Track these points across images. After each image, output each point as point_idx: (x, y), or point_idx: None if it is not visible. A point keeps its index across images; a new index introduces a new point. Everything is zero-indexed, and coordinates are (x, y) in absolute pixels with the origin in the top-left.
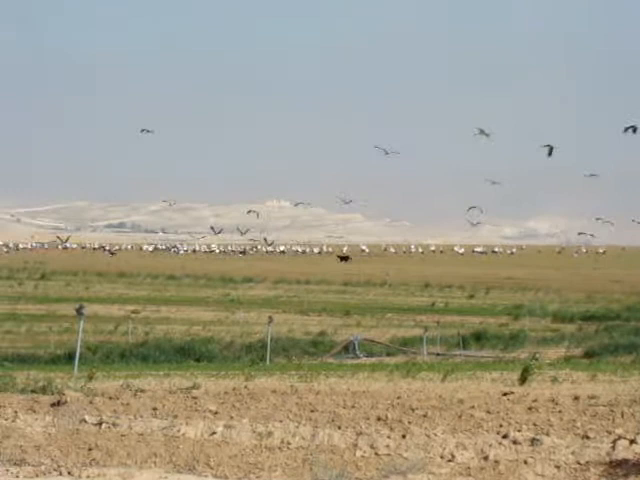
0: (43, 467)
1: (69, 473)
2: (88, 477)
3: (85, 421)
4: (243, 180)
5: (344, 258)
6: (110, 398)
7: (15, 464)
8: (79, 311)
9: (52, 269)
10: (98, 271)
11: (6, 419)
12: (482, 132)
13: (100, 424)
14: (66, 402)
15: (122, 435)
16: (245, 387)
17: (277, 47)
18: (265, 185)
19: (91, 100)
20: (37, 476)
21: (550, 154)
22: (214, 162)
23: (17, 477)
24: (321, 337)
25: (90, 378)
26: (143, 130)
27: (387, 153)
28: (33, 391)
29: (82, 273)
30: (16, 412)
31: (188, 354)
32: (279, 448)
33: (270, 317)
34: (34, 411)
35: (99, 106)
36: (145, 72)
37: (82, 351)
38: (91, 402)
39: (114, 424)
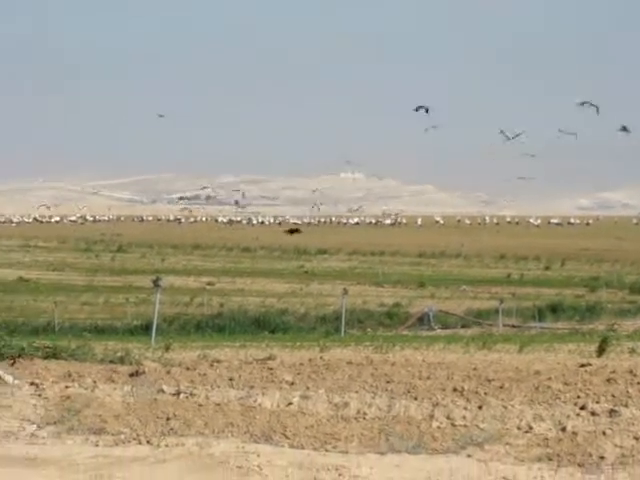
0: (122, 436)
1: (148, 442)
2: (167, 446)
3: (163, 391)
4: (318, 152)
5: (293, 231)
6: (187, 369)
7: (95, 433)
8: (156, 283)
9: (128, 241)
10: (174, 243)
11: (85, 388)
12: (503, 133)
13: (178, 394)
14: (144, 372)
15: (199, 405)
16: (321, 358)
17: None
18: (339, 157)
19: (173, 73)
20: (117, 445)
21: (625, 130)
22: (288, 134)
23: (97, 446)
24: (395, 309)
25: (167, 349)
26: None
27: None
28: (111, 361)
29: (158, 245)
30: (95, 382)
31: (263, 326)
32: (355, 419)
33: (345, 289)
34: (113, 381)
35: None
36: (227, 44)
37: (158, 322)
38: (168, 372)
39: (191, 394)
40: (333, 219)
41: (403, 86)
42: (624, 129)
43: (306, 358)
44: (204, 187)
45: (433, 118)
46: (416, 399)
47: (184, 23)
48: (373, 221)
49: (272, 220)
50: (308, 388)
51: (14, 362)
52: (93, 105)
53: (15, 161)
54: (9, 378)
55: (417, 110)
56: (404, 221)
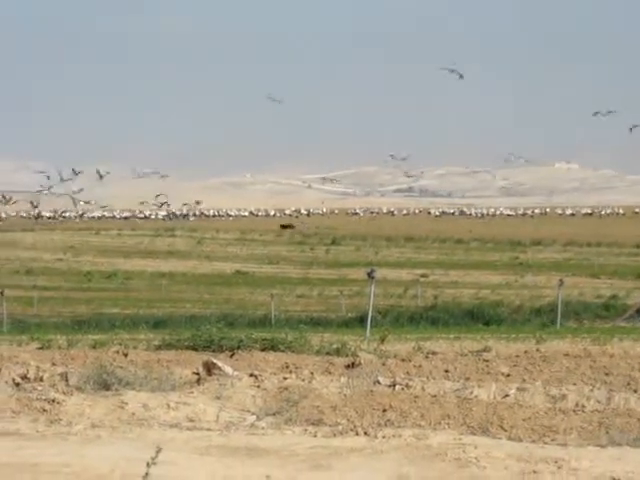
0: (340, 427)
1: (365, 433)
2: (384, 437)
3: (379, 383)
4: (530, 142)
5: (286, 226)
6: (402, 360)
7: (313, 424)
8: (370, 275)
9: (342, 234)
10: (387, 235)
11: (303, 380)
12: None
13: (393, 386)
14: (360, 364)
15: (415, 397)
16: (537, 350)
17: None
18: (553, 147)
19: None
20: (334, 436)
21: None
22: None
23: (315, 436)
24: (613, 300)
25: (382, 341)
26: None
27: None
28: (328, 353)
29: (371, 238)
30: (312, 373)
31: (477, 317)
32: (573, 411)
33: (560, 280)
34: (329, 372)
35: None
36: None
37: (372, 314)
38: (384, 364)
39: (407, 386)
40: (547, 210)
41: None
42: None
43: (522, 350)
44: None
45: None
46: (636, 392)
47: None
48: (589, 212)
49: (485, 211)
50: (524, 380)
51: (233, 354)
52: (297, 100)
53: (228, 156)
54: (229, 369)
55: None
56: (621, 211)
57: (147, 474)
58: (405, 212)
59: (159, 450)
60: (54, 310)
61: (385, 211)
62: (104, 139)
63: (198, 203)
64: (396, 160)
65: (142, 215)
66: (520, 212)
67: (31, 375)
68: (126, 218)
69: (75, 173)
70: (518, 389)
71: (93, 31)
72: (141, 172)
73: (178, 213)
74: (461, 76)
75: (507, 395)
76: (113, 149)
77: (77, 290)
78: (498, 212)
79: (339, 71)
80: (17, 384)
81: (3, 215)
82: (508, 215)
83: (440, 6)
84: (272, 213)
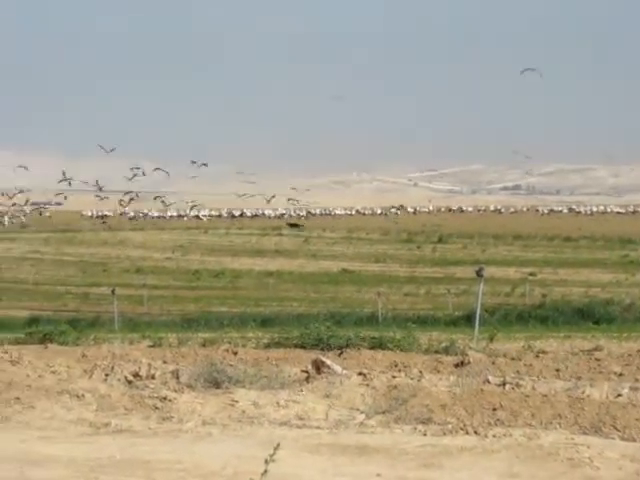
0: (449, 426)
1: (475, 432)
2: (494, 436)
3: (488, 381)
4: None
5: (294, 225)
6: (512, 359)
7: (422, 422)
8: (479, 273)
9: (448, 232)
10: (494, 233)
11: (412, 378)
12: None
13: (503, 385)
14: (469, 363)
15: (526, 396)
16: None
17: None
18: None
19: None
20: (444, 434)
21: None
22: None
23: (425, 435)
24: None
25: (491, 339)
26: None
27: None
28: (436, 352)
29: (478, 236)
30: (421, 372)
31: (587, 316)
32: None
33: None
34: (438, 371)
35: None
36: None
37: (480, 313)
38: (493, 363)
39: (517, 385)
40: None
41: None
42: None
43: (634, 349)
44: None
45: None
46: None
47: None
48: None
49: (594, 209)
50: (637, 380)
51: (341, 352)
52: (408, 99)
53: (334, 154)
54: (338, 368)
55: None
56: None
57: (266, 471)
58: (512, 210)
59: (277, 447)
60: (164, 308)
61: (492, 209)
62: (202, 138)
63: (291, 199)
64: (517, 157)
65: (249, 214)
66: (630, 210)
67: (143, 373)
68: (234, 217)
69: (164, 171)
70: (631, 388)
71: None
72: (242, 171)
73: (285, 212)
74: (541, 75)
75: (620, 395)
76: (211, 148)
77: (186, 289)
78: (608, 209)
79: (452, 70)
80: (129, 382)
81: (108, 213)
82: (618, 213)
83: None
84: (378, 211)
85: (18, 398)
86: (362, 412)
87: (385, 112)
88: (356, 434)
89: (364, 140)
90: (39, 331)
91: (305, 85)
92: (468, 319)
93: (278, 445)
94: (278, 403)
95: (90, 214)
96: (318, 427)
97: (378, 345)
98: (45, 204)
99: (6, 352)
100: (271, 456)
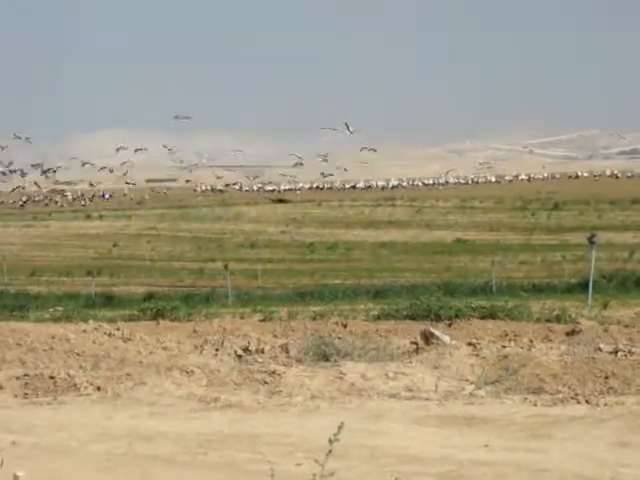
0: (560, 395)
1: (586, 401)
2: (605, 405)
3: (600, 349)
4: None
5: (280, 201)
6: (625, 326)
7: (533, 392)
8: (591, 240)
9: (564, 199)
10: (610, 199)
11: (522, 348)
12: None
13: (615, 352)
14: (580, 331)
15: (639, 363)
16: None
17: None
18: None
19: None
20: (555, 404)
21: None
22: None
23: (535, 405)
24: None
25: (604, 306)
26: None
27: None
28: (547, 320)
29: (594, 201)
30: (531, 341)
31: None
32: None
33: None
34: (549, 340)
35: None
36: None
37: (596, 279)
38: (605, 330)
39: (630, 352)
40: None
41: None
42: None
43: None
44: None
45: None
46: None
47: None
48: None
49: None
50: None
51: (451, 323)
52: (513, 65)
53: (448, 123)
54: (446, 338)
55: None
56: None
57: (330, 452)
58: (629, 174)
59: (341, 426)
60: (278, 282)
61: (608, 174)
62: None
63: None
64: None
65: (362, 185)
66: None
67: (252, 347)
68: (368, 187)
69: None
70: None
71: None
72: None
73: (397, 183)
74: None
75: None
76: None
77: (300, 262)
78: None
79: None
80: (239, 356)
81: (219, 187)
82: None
83: None
84: (492, 179)
85: (129, 374)
86: (471, 383)
87: (496, 80)
88: (465, 405)
89: (478, 107)
90: (151, 307)
91: (427, 53)
92: (584, 286)
93: (342, 424)
94: (387, 375)
95: (204, 189)
96: (427, 399)
97: (489, 315)
98: (161, 180)
99: (118, 329)
100: (335, 435)
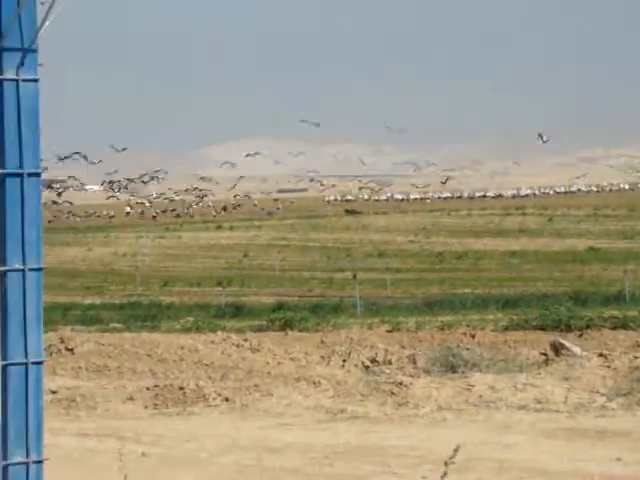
0: None
1: None
2: None
3: None
4: None
5: (351, 212)
6: None
7: None
8: None
9: None
10: None
11: None
12: None
13: None
14: None
15: None
16: None
17: None
18: None
19: None
20: None
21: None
22: None
23: None
24: None
25: None
26: None
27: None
28: None
29: None
30: None
31: None
32: None
33: None
34: None
35: None
36: None
37: None
38: None
39: None
40: None
41: None
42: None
43: None
44: None
45: None
46: None
47: None
48: None
49: None
50: None
51: (582, 333)
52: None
53: (580, 131)
54: (577, 350)
55: None
56: None
57: (446, 464)
58: None
59: (457, 448)
60: (406, 292)
61: None
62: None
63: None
64: None
65: (492, 194)
66: None
67: (380, 358)
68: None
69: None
70: None
71: None
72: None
73: (528, 193)
74: None
75: None
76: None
77: (429, 271)
78: None
79: None
80: (366, 367)
81: (350, 197)
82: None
83: None
84: (626, 187)
85: (257, 385)
86: (602, 395)
87: (631, 85)
88: (595, 418)
89: (611, 114)
90: (280, 317)
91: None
92: None
93: (458, 446)
94: (515, 387)
95: (332, 198)
96: (556, 411)
97: (620, 325)
98: (290, 190)
99: (246, 340)
100: (451, 458)
